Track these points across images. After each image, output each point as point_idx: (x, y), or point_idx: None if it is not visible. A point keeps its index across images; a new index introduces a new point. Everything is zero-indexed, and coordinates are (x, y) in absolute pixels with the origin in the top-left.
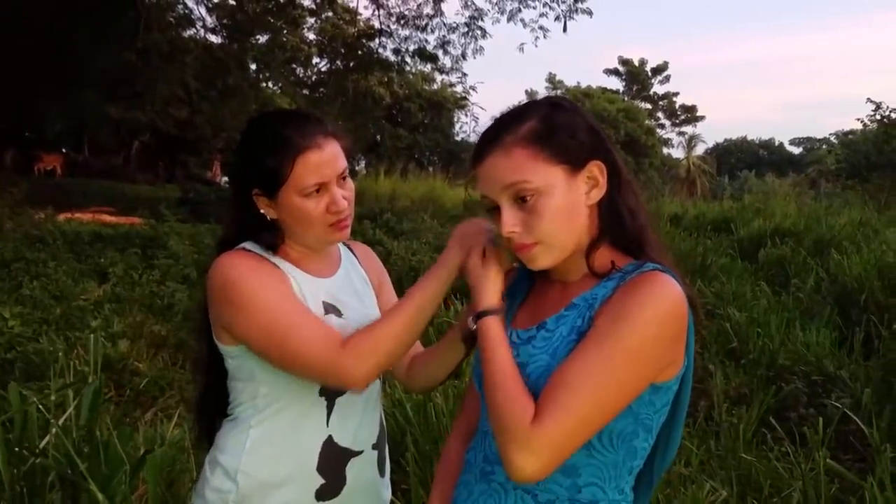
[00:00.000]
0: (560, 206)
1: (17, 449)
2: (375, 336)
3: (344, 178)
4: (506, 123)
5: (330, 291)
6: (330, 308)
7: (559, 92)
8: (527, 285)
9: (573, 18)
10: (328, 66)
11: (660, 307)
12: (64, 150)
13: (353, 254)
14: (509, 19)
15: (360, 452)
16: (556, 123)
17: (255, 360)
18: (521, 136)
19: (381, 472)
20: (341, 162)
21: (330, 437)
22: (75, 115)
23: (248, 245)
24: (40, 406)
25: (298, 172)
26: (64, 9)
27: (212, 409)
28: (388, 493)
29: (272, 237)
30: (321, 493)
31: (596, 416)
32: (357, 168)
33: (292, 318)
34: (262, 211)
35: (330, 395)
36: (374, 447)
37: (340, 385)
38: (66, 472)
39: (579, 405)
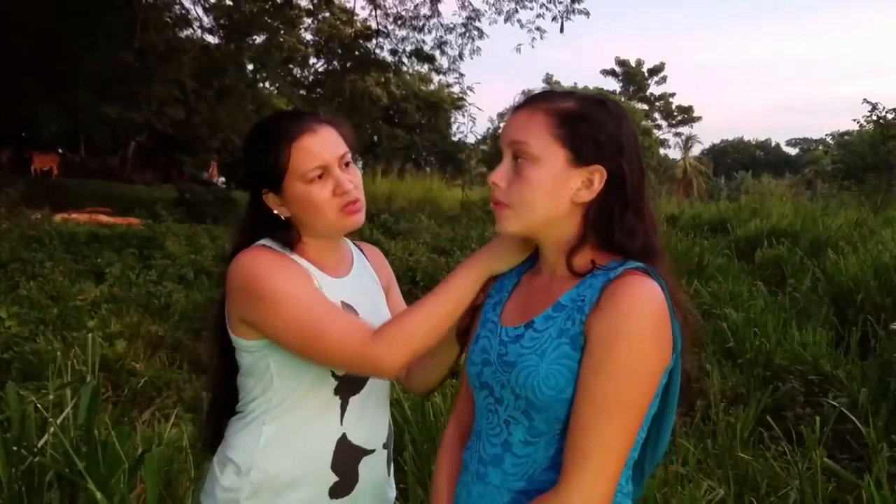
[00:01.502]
0: (544, 182)
1: (15, 448)
2: (408, 325)
3: (347, 164)
4: (550, 95)
5: (345, 291)
6: (347, 308)
7: None
8: (516, 278)
9: (570, 19)
10: (325, 66)
11: (644, 315)
12: (60, 151)
13: (364, 254)
14: (506, 20)
15: (372, 451)
16: (586, 114)
17: (273, 356)
18: (551, 108)
19: (389, 471)
20: (340, 146)
21: (344, 434)
22: (71, 115)
23: (265, 242)
24: (38, 405)
25: (296, 158)
26: (60, 9)
27: (221, 408)
28: (393, 493)
29: (288, 235)
30: (335, 491)
31: (625, 440)
32: None
33: (321, 309)
34: (275, 211)
35: (344, 393)
36: (385, 446)
37: (373, 373)
38: (64, 472)
39: (606, 443)
